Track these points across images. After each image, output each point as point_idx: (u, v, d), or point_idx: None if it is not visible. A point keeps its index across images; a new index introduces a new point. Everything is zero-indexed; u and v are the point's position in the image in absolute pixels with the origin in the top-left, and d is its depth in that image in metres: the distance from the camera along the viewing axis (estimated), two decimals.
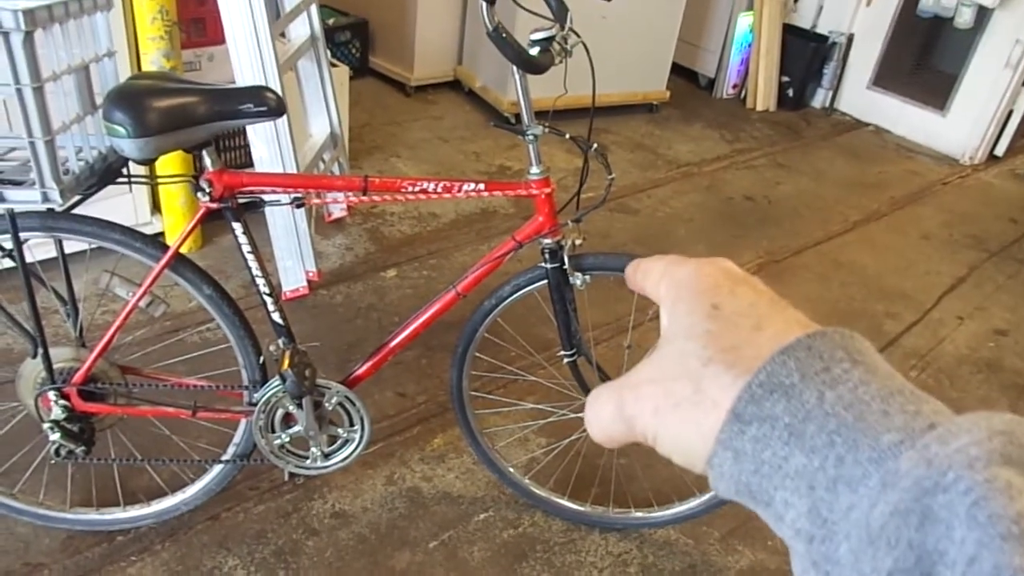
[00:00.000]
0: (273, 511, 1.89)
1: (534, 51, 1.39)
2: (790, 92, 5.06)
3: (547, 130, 1.50)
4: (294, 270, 2.58)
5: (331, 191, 1.52)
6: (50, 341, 1.53)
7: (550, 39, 1.39)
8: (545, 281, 1.62)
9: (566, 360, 1.70)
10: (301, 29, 2.69)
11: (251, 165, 2.48)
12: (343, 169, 3.02)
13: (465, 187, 1.52)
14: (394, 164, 3.69)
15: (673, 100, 4.77)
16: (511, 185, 1.55)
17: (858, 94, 5.09)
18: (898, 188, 4.26)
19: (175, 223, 2.69)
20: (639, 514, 1.92)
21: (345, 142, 3.12)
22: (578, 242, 1.60)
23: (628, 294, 1.79)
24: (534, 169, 1.53)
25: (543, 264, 1.60)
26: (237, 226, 1.50)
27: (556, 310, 1.64)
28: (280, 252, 2.55)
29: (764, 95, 5.00)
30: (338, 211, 3.11)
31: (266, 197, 1.51)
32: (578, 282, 1.60)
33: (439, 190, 1.52)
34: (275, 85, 2.29)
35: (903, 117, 4.91)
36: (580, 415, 1.86)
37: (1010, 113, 4.60)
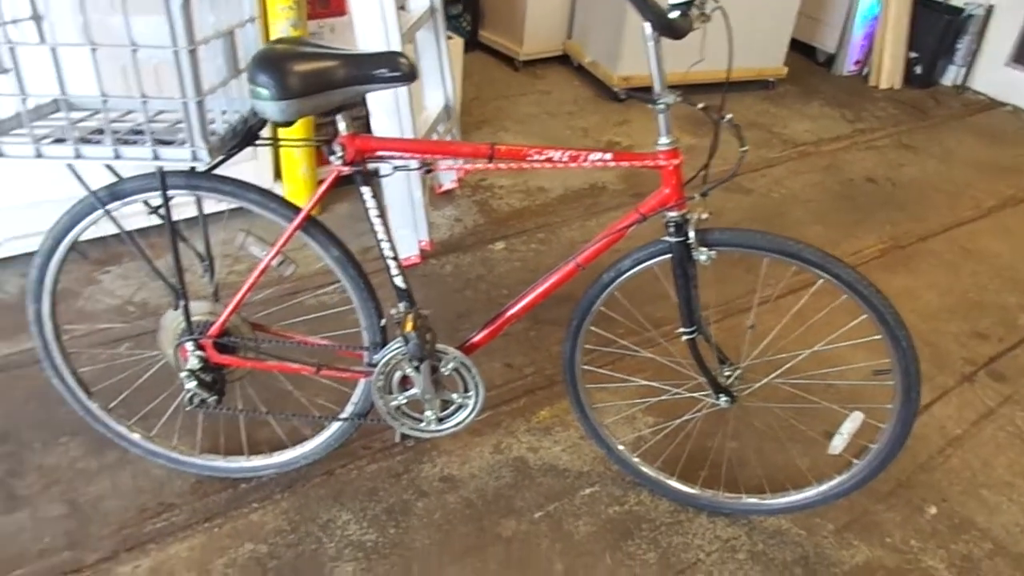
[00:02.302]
0: (384, 471, 1.94)
1: (674, 14, 1.34)
2: (918, 69, 4.78)
3: (679, 99, 1.46)
4: (407, 239, 2.62)
5: (459, 158, 1.53)
6: (190, 295, 1.62)
7: (690, 2, 1.34)
8: (668, 256, 1.59)
9: (685, 338, 1.66)
10: (420, 1, 2.70)
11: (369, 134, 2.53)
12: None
13: (591, 156, 1.51)
14: (502, 138, 3.69)
15: (790, 77, 4.59)
16: (639, 156, 1.52)
17: (995, 71, 4.75)
18: None
19: (295, 190, 2.78)
20: (751, 500, 1.88)
21: (457, 115, 3.15)
22: (704, 216, 1.56)
23: (743, 274, 1.73)
24: (663, 139, 1.49)
25: (667, 238, 1.57)
26: (366, 190, 1.53)
27: (678, 286, 1.61)
28: (395, 221, 2.59)
29: (889, 72, 4.74)
30: (448, 183, 3.14)
31: (395, 163, 1.53)
32: (703, 258, 1.55)
33: (565, 159, 1.51)
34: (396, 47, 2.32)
35: None
36: (694, 395, 1.83)
37: None
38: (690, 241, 1.54)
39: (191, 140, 1.33)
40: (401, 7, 2.75)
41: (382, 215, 1.56)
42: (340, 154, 1.49)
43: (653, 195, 1.55)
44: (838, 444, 1.70)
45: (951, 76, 4.90)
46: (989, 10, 4.67)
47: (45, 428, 1.94)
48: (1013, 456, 2.23)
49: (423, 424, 1.74)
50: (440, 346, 1.66)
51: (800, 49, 5.00)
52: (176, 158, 1.35)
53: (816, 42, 5.00)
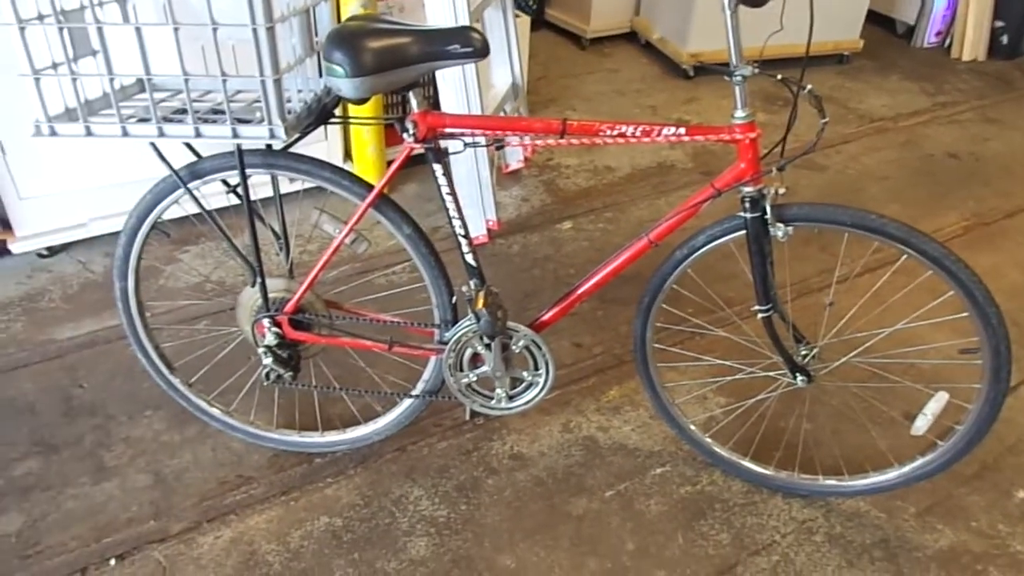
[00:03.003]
0: (455, 448, 1.95)
1: None
2: (1004, 39, 4.55)
3: (757, 70, 1.42)
4: (475, 218, 2.63)
5: (530, 133, 1.52)
6: (267, 273, 1.65)
7: None
8: (743, 232, 1.55)
9: (760, 316, 1.62)
10: None
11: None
12: None
13: (665, 131, 1.48)
14: (572, 115, 3.66)
15: (866, 50, 4.43)
16: (714, 129, 1.49)
17: None
18: None
19: (365, 170, 2.81)
20: (829, 482, 1.83)
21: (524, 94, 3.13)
22: (781, 191, 1.51)
23: (817, 253, 1.67)
24: (739, 113, 1.45)
25: (742, 213, 1.53)
26: (438, 167, 1.54)
27: (753, 263, 1.57)
28: (463, 199, 2.58)
29: (973, 43, 4.53)
30: (515, 163, 3.14)
31: (467, 140, 1.53)
32: (779, 233, 1.51)
33: (638, 134, 1.48)
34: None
35: None
36: (769, 374, 1.79)
37: None
38: (767, 216, 1.50)
39: (268, 118, 1.35)
40: None
41: (453, 193, 1.56)
42: (412, 131, 1.50)
43: (729, 169, 1.52)
44: (922, 425, 1.65)
45: None
46: None
47: (131, 401, 2.02)
48: None
49: (493, 402, 1.75)
50: (511, 324, 1.66)
51: (878, 21, 4.82)
52: (254, 136, 1.37)
53: (895, 13, 4.80)
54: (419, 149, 1.51)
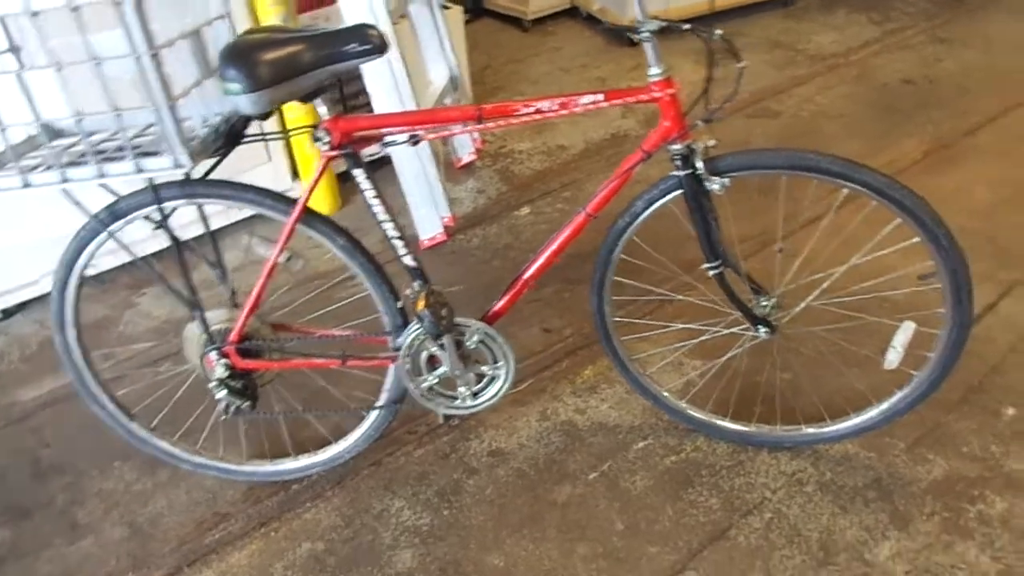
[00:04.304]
0: (432, 453, 1.92)
1: None
2: None
3: (664, 24, 1.37)
4: (429, 218, 2.59)
5: (447, 123, 1.47)
6: (209, 306, 1.61)
7: None
8: (680, 191, 1.51)
9: (711, 273, 1.58)
10: None
11: None
12: None
13: (582, 100, 1.44)
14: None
15: None
16: (631, 92, 1.44)
17: None
18: None
19: (323, 187, 2.77)
20: (811, 430, 1.79)
21: (467, 85, 3.08)
22: (711, 143, 1.47)
23: (773, 203, 1.61)
24: (654, 70, 1.41)
25: (675, 172, 1.49)
26: (359, 172, 1.50)
27: (695, 220, 1.53)
28: (413, 201, 2.56)
29: None
30: (467, 155, 3.09)
31: (389, 139, 1.49)
32: (716, 187, 1.47)
33: (555, 107, 1.44)
34: (387, 30, 2.26)
35: None
36: (733, 331, 1.75)
37: None
38: (699, 172, 1.46)
39: (169, 147, 1.30)
40: None
41: (379, 195, 1.52)
42: (326, 139, 1.45)
43: (655, 130, 1.48)
44: (893, 358, 1.61)
45: None
46: None
47: (99, 455, 1.98)
48: None
49: (458, 401, 1.71)
50: (460, 320, 1.62)
51: None
52: (159, 168, 1.33)
53: None
54: (336, 155, 1.47)
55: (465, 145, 3.05)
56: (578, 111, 1.44)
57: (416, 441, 1.95)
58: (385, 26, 2.25)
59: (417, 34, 2.76)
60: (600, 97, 1.43)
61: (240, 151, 1.51)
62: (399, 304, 1.62)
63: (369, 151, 1.51)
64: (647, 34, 1.38)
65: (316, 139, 1.45)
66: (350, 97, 2.79)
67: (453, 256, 2.62)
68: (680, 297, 1.86)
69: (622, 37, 4.05)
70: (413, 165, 2.47)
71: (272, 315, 1.77)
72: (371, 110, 2.49)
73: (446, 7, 3.10)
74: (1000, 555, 1.60)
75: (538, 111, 1.44)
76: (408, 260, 1.58)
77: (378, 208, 1.53)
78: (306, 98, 1.41)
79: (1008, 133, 3.05)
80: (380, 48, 1.37)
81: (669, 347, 1.98)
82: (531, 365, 2.16)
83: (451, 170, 3.08)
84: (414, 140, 1.46)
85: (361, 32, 1.37)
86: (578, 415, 2.00)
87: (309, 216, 1.54)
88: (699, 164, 1.46)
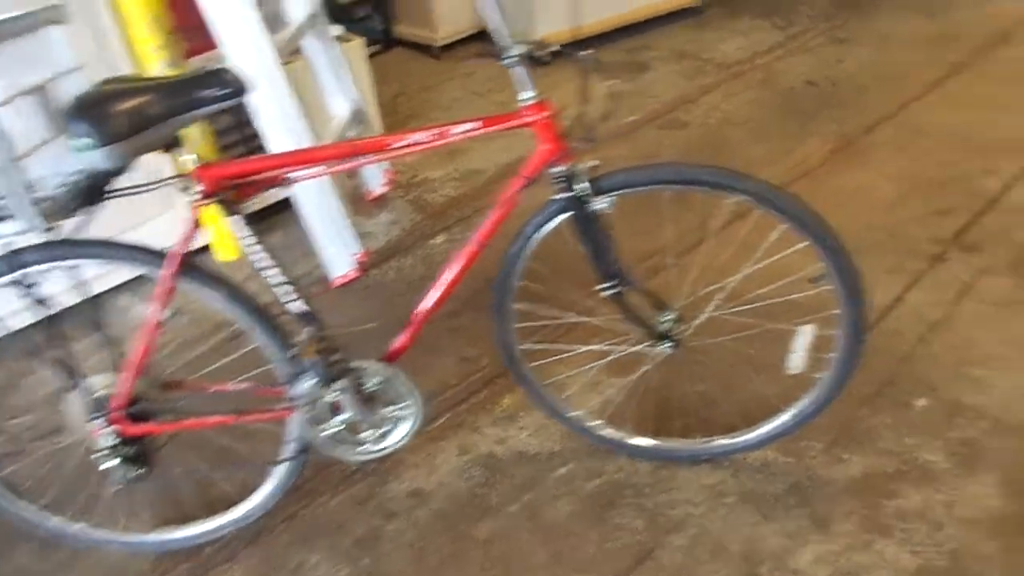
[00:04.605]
0: (349, 500, 1.85)
1: None
2: None
3: (529, 48, 1.36)
4: (339, 256, 2.53)
5: (317, 163, 1.43)
6: (93, 372, 1.53)
7: None
8: (565, 213, 1.49)
9: (606, 294, 1.56)
10: (298, 10, 2.59)
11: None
12: None
13: (457, 129, 1.41)
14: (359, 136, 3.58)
15: None
16: (507, 117, 1.42)
17: None
18: (978, 35, 3.83)
19: (220, 239, 2.69)
20: (725, 441, 1.78)
21: (370, 116, 3.04)
22: (593, 164, 1.45)
23: (684, 214, 1.57)
24: (525, 94, 1.39)
25: (559, 195, 1.47)
26: (235, 219, 1.44)
27: (584, 241, 1.51)
28: (321, 240, 2.50)
29: None
30: (379, 187, 3.04)
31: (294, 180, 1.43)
32: (600, 207, 1.46)
33: (430, 139, 1.41)
34: (275, 70, 2.22)
35: None
36: (638, 348, 1.72)
37: None
38: (581, 193, 1.44)
39: (18, 208, 1.23)
40: (277, 22, 2.65)
41: (258, 242, 1.46)
42: (196, 189, 1.39)
43: (534, 154, 1.45)
44: (796, 363, 1.61)
45: None
46: None
47: None
48: (999, 327, 2.13)
49: (366, 447, 1.65)
50: (357, 363, 1.57)
51: None
52: (11, 232, 1.26)
53: None
54: (208, 204, 1.41)
55: (376, 177, 3.00)
56: (453, 140, 1.41)
57: (332, 490, 1.88)
58: (271, 65, 2.20)
59: (313, 69, 2.71)
60: (476, 125, 1.41)
61: (142, 200, 1.42)
62: (291, 353, 1.56)
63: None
64: (515, 58, 1.36)
65: (184, 189, 1.39)
66: (251, 138, 2.72)
67: (367, 292, 2.56)
68: (585, 319, 1.84)
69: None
70: (317, 204, 2.42)
71: (166, 373, 1.69)
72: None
73: (346, 40, 3.07)
74: (919, 549, 1.60)
75: (412, 143, 1.41)
76: (295, 306, 1.52)
77: (258, 256, 1.47)
78: (168, 147, 1.36)
79: (906, 128, 3.13)
80: (240, 91, 1.32)
81: (580, 369, 1.95)
82: (449, 397, 2.11)
83: (364, 203, 3.02)
84: (288, 182, 1.41)
85: (219, 76, 1.32)
86: (498, 446, 1.95)
87: (187, 269, 1.47)
88: (581, 186, 1.44)
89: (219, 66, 1.34)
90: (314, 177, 1.45)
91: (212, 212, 1.42)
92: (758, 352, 1.78)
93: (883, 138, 3.08)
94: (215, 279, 1.51)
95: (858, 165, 2.92)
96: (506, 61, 1.36)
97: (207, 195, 1.40)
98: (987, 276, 2.31)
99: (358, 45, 3.12)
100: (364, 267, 2.61)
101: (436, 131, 1.40)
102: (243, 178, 1.42)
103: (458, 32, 4.42)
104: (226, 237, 2.70)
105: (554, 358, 1.86)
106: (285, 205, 2.71)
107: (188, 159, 1.38)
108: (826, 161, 2.97)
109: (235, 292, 1.52)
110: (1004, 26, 3.90)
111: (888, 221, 2.58)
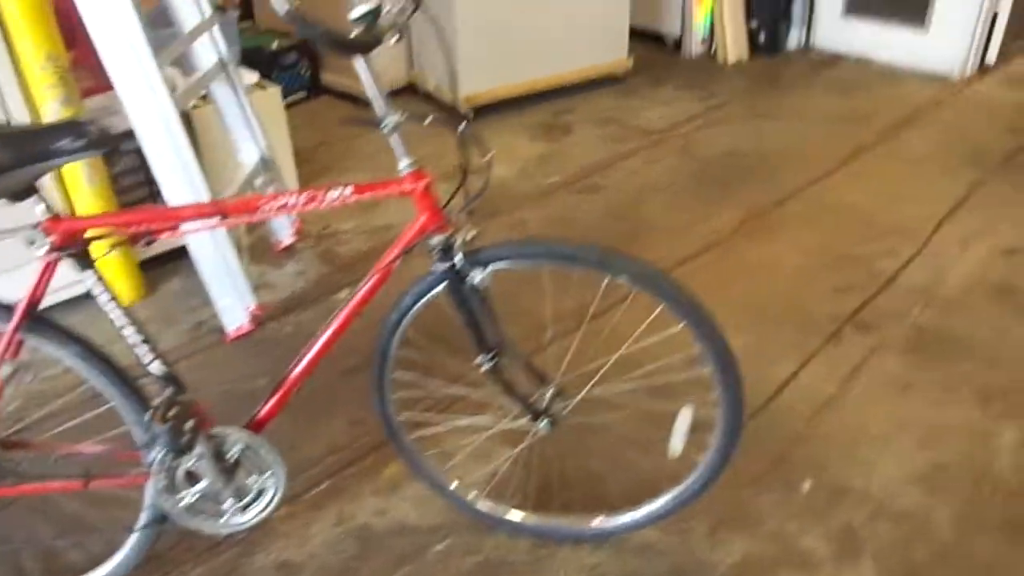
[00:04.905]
0: (211, 573, 1.74)
1: (357, 30, 1.21)
2: (762, 37, 4.80)
3: (404, 117, 1.33)
4: (233, 308, 2.44)
5: (181, 222, 1.37)
6: None
7: (372, 13, 1.21)
8: (443, 283, 1.45)
9: (483, 367, 1.52)
10: (207, 56, 2.54)
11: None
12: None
13: (330, 195, 1.36)
14: (349, 178, 3.53)
15: (640, 67, 4.55)
16: (382, 184, 1.39)
17: (833, 25, 4.81)
18: (887, 116, 3.99)
19: (113, 277, 2.57)
20: (607, 520, 1.74)
21: (283, 165, 2.98)
22: (470, 235, 1.42)
23: (579, 287, 1.51)
24: (403, 163, 1.36)
25: (436, 265, 1.43)
26: (88, 273, 1.36)
27: (460, 313, 1.47)
28: (215, 292, 2.41)
29: (734, 45, 4.75)
30: (287, 237, 2.97)
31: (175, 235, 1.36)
32: (477, 279, 1.42)
33: (302, 202, 1.36)
34: (171, 117, 2.15)
35: (884, 41, 4.62)
36: (519, 423, 1.68)
37: (995, 17, 4.30)
38: (458, 265, 1.41)
39: None
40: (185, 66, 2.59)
41: (113, 299, 1.38)
42: (45, 241, 1.31)
43: (412, 223, 1.42)
44: (677, 445, 1.58)
45: (795, 38, 4.94)
46: None
47: None
48: (888, 407, 2.16)
49: (224, 519, 1.56)
50: (218, 429, 1.49)
51: (648, 38, 4.97)
52: None
53: (661, 28, 4.98)
54: (57, 258, 1.33)
55: (284, 227, 2.93)
56: (325, 205, 1.36)
57: (194, 559, 1.77)
58: (167, 112, 2.13)
59: (222, 115, 2.65)
60: (349, 191, 1.37)
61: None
62: (147, 416, 1.47)
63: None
64: (391, 125, 1.33)
65: (31, 242, 1.31)
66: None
67: (261, 346, 2.47)
68: (465, 392, 1.79)
69: (458, 113, 4.07)
70: (211, 254, 2.33)
71: (8, 431, 1.57)
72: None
73: (261, 87, 3.02)
74: None
75: (284, 206, 1.36)
76: (154, 367, 1.44)
77: (113, 313, 1.39)
78: (17, 197, 1.28)
79: (815, 202, 3.21)
80: (97, 144, 1.26)
81: (460, 443, 1.89)
82: (334, 462, 2.03)
83: (271, 253, 2.94)
84: (148, 241, 1.34)
85: (75, 128, 1.26)
86: (377, 517, 1.87)
87: (33, 323, 1.38)
88: (458, 257, 1.41)
89: (78, 119, 1.28)
90: (173, 237, 1.38)
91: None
92: (641, 431, 1.76)
93: (793, 212, 3.16)
94: (66, 335, 1.42)
95: (767, 237, 2.98)
96: (384, 128, 1.33)
97: (56, 249, 1.32)
98: (879, 354, 2.35)
99: (274, 93, 3.07)
100: (258, 320, 2.52)
101: (308, 195, 1.36)
102: (99, 230, 1.35)
103: (387, 85, 4.42)
104: (127, 279, 2.59)
105: (435, 429, 1.81)
106: (176, 251, 2.62)
107: (39, 208, 1.30)
108: (737, 231, 3.02)
109: (88, 349, 1.43)
110: (912, 108, 4.07)
111: (790, 295, 2.62)
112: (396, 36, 1.26)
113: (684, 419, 1.58)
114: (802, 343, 2.40)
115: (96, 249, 1.34)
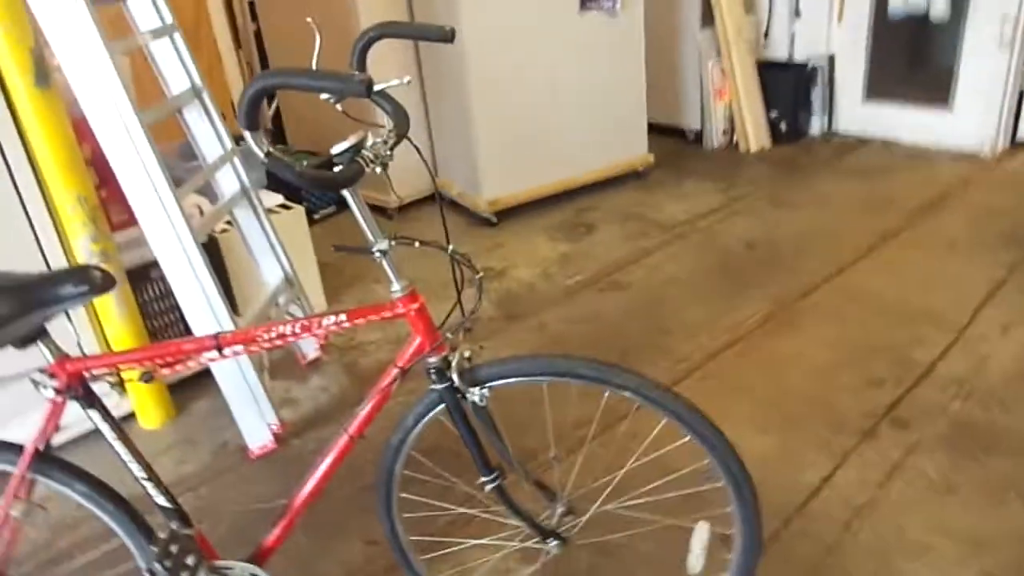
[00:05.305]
0: None
1: (338, 166, 1.26)
2: (783, 126, 4.85)
3: (395, 242, 1.36)
4: (256, 427, 2.46)
5: (181, 356, 1.40)
6: None
7: (354, 149, 1.26)
8: (442, 404, 1.45)
9: (488, 487, 1.49)
10: (229, 184, 2.66)
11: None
12: (305, 309, 2.93)
13: (324, 322, 1.39)
14: (375, 290, 3.60)
15: (662, 161, 4.61)
16: (375, 309, 1.41)
17: (855, 111, 4.85)
18: (914, 199, 3.95)
19: (142, 401, 2.63)
20: None
21: (306, 280, 3.06)
22: (467, 355, 1.42)
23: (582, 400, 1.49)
24: (395, 286, 1.38)
25: (434, 386, 1.43)
26: (93, 413, 1.39)
27: (461, 433, 1.45)
28: (237, 411, 2.44)
29: (755, 135, 4.81)
30: (312, 352, 3.01)
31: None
32: (476, 398, 1.41)
33: (297, 331, 1.38)
34: (193, 248, 2.24)
35: (908, 123, 4.63)
36: (529, 544, 1.62)
37: (1022, 94, 4.27)
38: (456, 384, 1.40)
39: None
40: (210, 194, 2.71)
41: (120, 436, 1.40)
42: (52, 384, 1.35)
43: (407, 344, 1.43)
44: (695, 563, 1.51)
45: (816, 125, 4.98)
46: (831, 59, 4.81)
47: None
48: (928, 511, 2.04)
49: None
50: (221, 563, 1.47)
51: (670, 132, 5.07)
52: None
53: (682, 123, 5.08)
54: (62, 400, 1.36)
55: (309, 342, 2.98)
56: (319, 333, 1.39)
57: None
58: (189, 243, 2.22)
59: (244, 238, 2.74)
60: (342, 318, 1.39)
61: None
62: (150, 550, 1.47)
63: None
64: (378, 253, 1.36)
65: (37, 384, 1.35)
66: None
67: (284, 465, 2.47)
68: (473, 512, 1.75)
69: (482, 218, 4.16)
70: (233, 375, 2.37)
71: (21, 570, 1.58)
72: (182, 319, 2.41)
73: (286, 207, 3.14)
74: None
75: (280, 335, 1.38)
76: (161, 501, 1.45)
77: (121, 450, 1.41)
78: (23, 343, 1.32)
79: (841, 293, 3.15)
80: (101, 288, 1.31)
81: (471, 564, 1.83)
82: None
83: (297, 368, 2.98)
84: (147, 378, 1.37)
85: (81, 273, 1.31)
86: None
87: (42, 463, 1.41)
88: (455, 377, 1.40)
89: (85, 264, 1.33)
90: (180, 372, 1.41)
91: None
92: (657, 549, 1.69)
93: (817, 303, 3.10)
94: (75, 473, 1.44)
95: (792, 330, 2.92)
96: (374, 254, 1.36)
97: (62, 391, 1.35)
98: (917, 454, 2.24)
99: (298, 213, 3.18)
100: (280, 439, 2.53)
101: (302, 324, 1.38)
102: (103, 369, 1.38)
103: (412, 194, 4.53)
104: (155, 402, 2.64)
105: (445, 551, 1.76)
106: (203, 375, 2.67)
107: (46, 354, 1.35)
108: (761, 325, 2.97)
109: (97, 486, 1.44)
110: (937, 192, 4.02)
111: (820, 391, 2.54)
112: (380, 167, 1.30)
113: (701, 535, 1.52)
114: (834, 443, 2.31)
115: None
